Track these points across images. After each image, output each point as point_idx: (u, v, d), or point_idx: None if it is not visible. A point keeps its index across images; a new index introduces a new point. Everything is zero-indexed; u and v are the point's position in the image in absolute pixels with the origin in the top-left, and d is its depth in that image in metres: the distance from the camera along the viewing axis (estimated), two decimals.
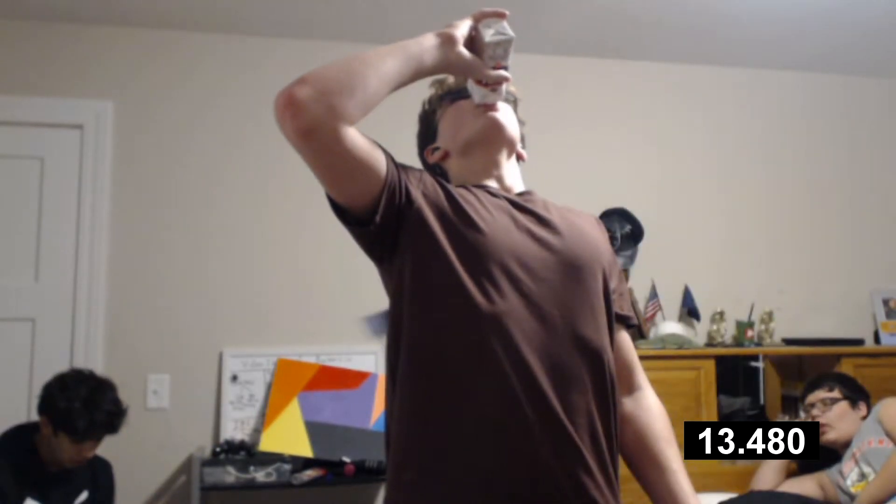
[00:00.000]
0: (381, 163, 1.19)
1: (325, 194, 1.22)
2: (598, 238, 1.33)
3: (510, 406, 1.12)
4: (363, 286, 2.76)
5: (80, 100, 3.13)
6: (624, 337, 1.36)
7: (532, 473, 1.12)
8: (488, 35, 1.24)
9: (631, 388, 1.35)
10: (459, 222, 1.19)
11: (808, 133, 3.81)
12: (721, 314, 3.35)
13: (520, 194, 1.34)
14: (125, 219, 3.13)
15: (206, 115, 3.24)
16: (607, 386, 1.21)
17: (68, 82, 3.13)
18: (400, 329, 1.20)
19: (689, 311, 3.45)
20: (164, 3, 3.03)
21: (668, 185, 3.62)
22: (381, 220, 1.18)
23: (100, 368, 2.91)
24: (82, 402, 2.33)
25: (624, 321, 1.35)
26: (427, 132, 1.47)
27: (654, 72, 3.66)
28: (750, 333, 3.33)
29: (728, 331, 3.43)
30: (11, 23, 3.11)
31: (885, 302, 3.63)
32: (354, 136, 1.15)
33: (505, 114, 1.36)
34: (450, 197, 1.22)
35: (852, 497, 2.65)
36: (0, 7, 3.02)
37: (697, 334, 3.47)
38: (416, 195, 1.21)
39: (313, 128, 1.11)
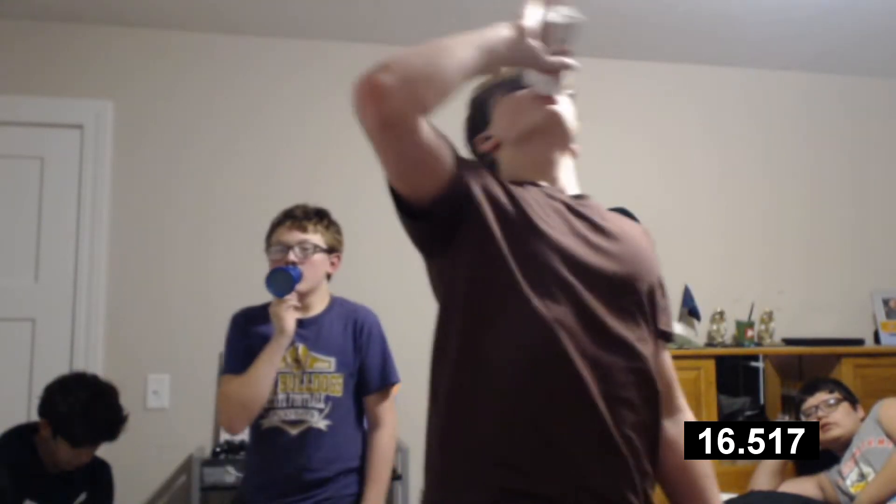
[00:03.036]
0: (448, 155, 1.14)
1: (388, 184, 1.18)
2: (649, 250, 1.30)
3: (565, 420, 1.09)
4: (363, 286, 2.76)
5: (80, 100, 3.13)
6: (666, 355, 1.32)
7: (581, 488, 1.08)
8: (555, 16, 1.19)
9: (672, 409, 1.32)
10: (519, 224, 1.15)
11: (808, 133, 3.80)
12: (721, 314, 3.35)
13: (576, 197, 1.29)
14: (125, 219, 3.13)
15: (206, 115, 3.24)
16: (654, 403, 1.19)
17: (68, 82, 3.13)
18: (448, 332, 1.16)
19: (690, 311, 3.45)
20: (164, 3, 3.03)
21: (668, 185, 3.62)
22: (441, 215, 1.13)
23: (100, 368, 2.92)
24: (82, 408, 2.32)
25: (665, 338, 1.31)
26: (478, 118, 1.37)
27: (654, 72, 3.66)
28: (750, 333, 3.33)
29: (728, 331, 3.43)
30: (11, 23, 3.11)
31: (885, 302, 3.63)
32: (427, 125, 1.10)
33: (565, 106, 1.29)
34: (511, 197, 1.17)
35: (852, 497, 2.65)
36: (0, 7, 3.02)
37: (697, 334, 3.47)
38: (478, 192, 1.15)
39: (397, 117, 1.05)
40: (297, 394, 1.98)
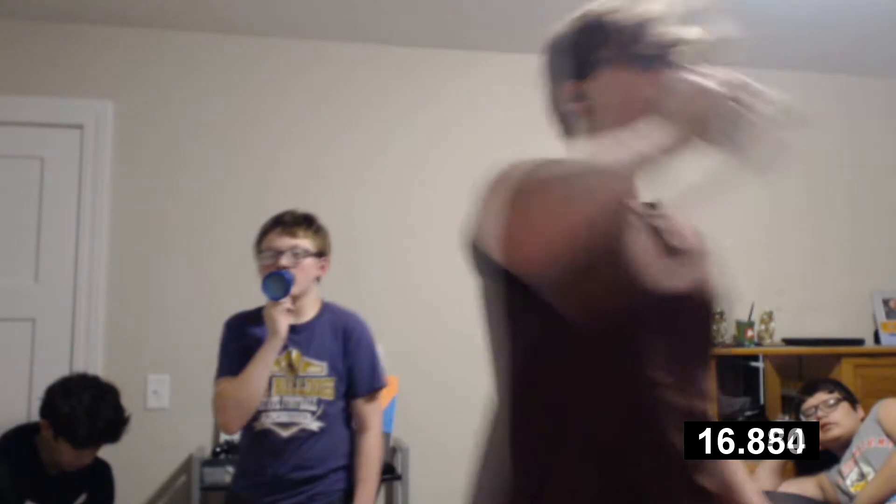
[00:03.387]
0: None
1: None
2: (711, 266, 1.16)
3: (657, 480, 1.02)
4: (363, 285, 2.77)
5: (80, 100, 3.13)
6: None
7: None
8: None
9: None
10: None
11: (808, 133, 3.80)
12: (721, 314, 3.35)
13: (650, 205, 1.16)
14: (125, 219, 3.13)
15: (206, 115, 3.24)
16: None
17: (68, 82, 3.13)
18: (536, 380, 1.02)
19: None
20: (164, 3, 3.02)
21: (669, 185, 3.62)
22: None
23: (100, 368, 2.92)
24: (84, 410, 2.33)
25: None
26: (579, 60, 1.13)
27: None
28: (750, 333, 3.33)
29: (728, 331, 3.43)
30: (11, 23, 3.11)
31: (885, 302, 3.63)
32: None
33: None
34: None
35: (852, 497, 2.65)
36: (0, 7, 3.02)
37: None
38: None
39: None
40: (290, 396, 2.05)
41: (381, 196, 3.34)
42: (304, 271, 2.11)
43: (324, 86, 3.35)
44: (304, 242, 2.12)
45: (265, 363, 2.01)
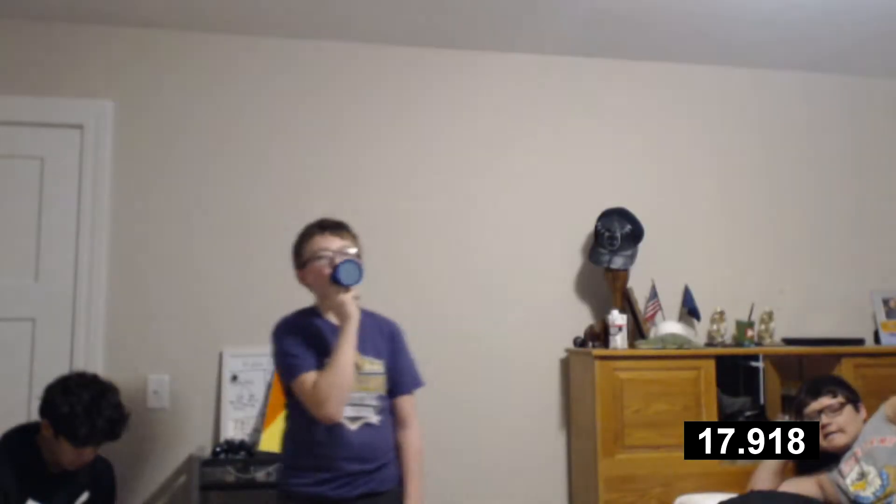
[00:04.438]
0: None
1: None
2: None
3: None
4: (363, 285, 2.76)
5: (80, 100, 3.13)
6: None
7: None
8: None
9: None
10: None
11: (809, 133, 3.81)
12: (721, 314, 3.35)
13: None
14: (125, 219, 3.13)
15: (206, 115, 3.24)
16: None
17: (68, 82, 3.13)
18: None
19: (689, 311, 3.45)
20: (164, 3, 3.02)
21: (668, 185, 3.62)
22: None
23: (100, 369, 2.92)
24: (84, 408, 2.32)
25: None
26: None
27: (654, 72, 3.66)
28: (750, 333, 3.33)
29: (728, 331, 3.43)
30: (11, 23, 3.11)
31: (885, 302, 3.63)
32: None
33: None
34: None
35: (852, 497, 2.65)
36: (0, 7, 3.02)
37: (697, 334, 3.47)
38: None
39: None
40: (356, 392, 2.13)
41: (380, 196, 3.34)
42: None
43: (324, 85, 3.35)
44: (350, 244, 2.23)
45: (350, 346, 2.10)
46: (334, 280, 2.11)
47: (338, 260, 2.15)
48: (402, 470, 2.23)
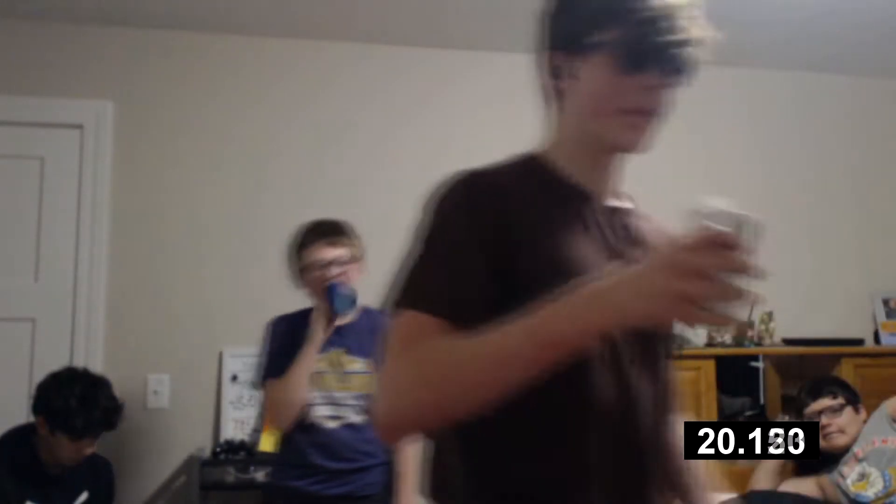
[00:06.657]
0: None
1: None
2: None
3: None
4: (363, 285, 2.76)
5: (80, 100, 3.13)
6: None
7: None
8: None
9: None
10: None
11: (808, 133, 3.80)
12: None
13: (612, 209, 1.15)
14: (125, 219, 3.13)
15: (206, 115, 3.24)
16: None
17: (68, 82, 3.13)
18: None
19: None
20: (164, 3, 3.02)
21: (667, 185, 3.62)
22: None
23: (100, 368, 2.91)
24: (78, 400, 2.33)
25: None
26: (564, 35, 1.03)
27: None
28: (750, 333, 3.33)
29: (728, 331, 3.43)
30: (11, 23, 3.11)
31: (885, 302, 3.63)
32: None
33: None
34: None
35: (852, 497, 2.65)
36: (0, 7, 3.02)
37: (697, 334, 3.46)
38: None
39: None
40: (337, 392, 2.17)
41: (380, 196, 3.34)
42: (349, 278, 2.25)
43: (324, 86, 3.35)
44: (346, 251, 2.24)
45: (306, 366, 2.15)
46: (328, 301, 2.16)
47: (330, 274, 2.18)
48: (397, 471, 2.21)
